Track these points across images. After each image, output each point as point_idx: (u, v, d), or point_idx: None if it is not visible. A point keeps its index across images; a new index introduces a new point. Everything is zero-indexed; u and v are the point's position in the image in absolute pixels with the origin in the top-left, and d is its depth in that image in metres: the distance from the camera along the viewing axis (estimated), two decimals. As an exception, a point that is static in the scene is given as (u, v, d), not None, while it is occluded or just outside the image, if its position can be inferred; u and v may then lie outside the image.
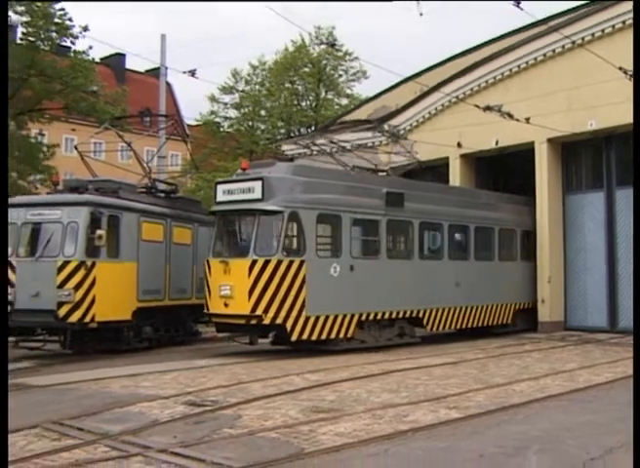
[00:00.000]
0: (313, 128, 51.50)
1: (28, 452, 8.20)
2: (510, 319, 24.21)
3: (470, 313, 22.35)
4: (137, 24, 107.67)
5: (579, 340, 21.98)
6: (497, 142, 26.40)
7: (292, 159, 22.37)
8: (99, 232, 17.42)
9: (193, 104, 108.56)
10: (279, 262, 17.16)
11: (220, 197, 18.40)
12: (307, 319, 17.59)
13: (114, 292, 18.13)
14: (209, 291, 17.97)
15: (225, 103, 55.18)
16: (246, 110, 54.90)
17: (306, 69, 54.84)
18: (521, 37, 26.55)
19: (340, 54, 53.04)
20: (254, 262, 17.10)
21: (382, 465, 7.87)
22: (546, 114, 23.77)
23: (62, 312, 17.21)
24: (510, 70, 26.29)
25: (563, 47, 24.45)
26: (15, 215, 18.08)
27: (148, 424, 9.67)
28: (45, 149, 28.01)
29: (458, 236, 23.02)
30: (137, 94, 34.08)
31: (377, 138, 30.35)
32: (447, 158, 28.03)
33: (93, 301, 17.52)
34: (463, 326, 22.30)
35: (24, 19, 25.42)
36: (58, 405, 11.32)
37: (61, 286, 17.23)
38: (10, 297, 17.59)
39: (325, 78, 55.26)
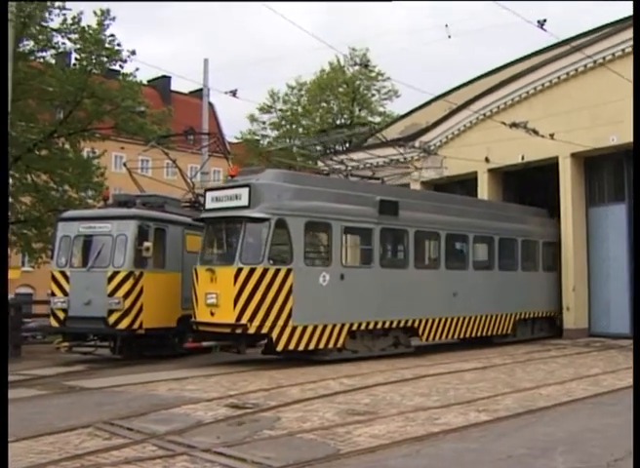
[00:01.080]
0: (347, 145, 51.53)
1: (82, 450, 8.27)
2: (510, 329, 22.91)
3: (468, 323, 21.12)
4: (182, 48, 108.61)
5: (602, 346, 21.76)
6: (522, 157, 26.33)
7: (328, 174, 22.04)
8: (146, 244, 17.56)
9: (234, 122, 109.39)
10: (265, 271, 16.22)
11: (209, 204, 17.53)
12: (294, 329, 16.58)
13: (160, 301, 18.24)
14: (196, 299, 17.05)
15: (264, 122, 55.46)
16: (284, 129, 55.09)
17: (341, 89, 54.96)
18: (545, 57, 26.51)
19: (372, 74, 53.16)
20: (239, 270, 16.18)
21: (415, 465, 7.83)
22: (570, 130, 23.65)
23: (112, 319, 17.36)
24: (535, 88, 26.24)
25: (585, 66, 24.37)
26: (68, 228, 18.33)
27: (193, 425, 9.70)
28: (95, 168, 28.30)
29: (456, 245, 22.12)
30: (181, 114, 34.37)
31: (408, 154, 30.31)
32: (475, 172, 28.02)
33: (140, 309, 17.66)
34: (461, 336, 21.18)
35: (78, 45, 25.75)
36: (109, 406, 11.40)
37: (112, 294, 17.39)
38: (64, 305, 17.82)
39: (359, 97, 55.31)
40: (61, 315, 17.92)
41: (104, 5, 26.36)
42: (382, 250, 19.57)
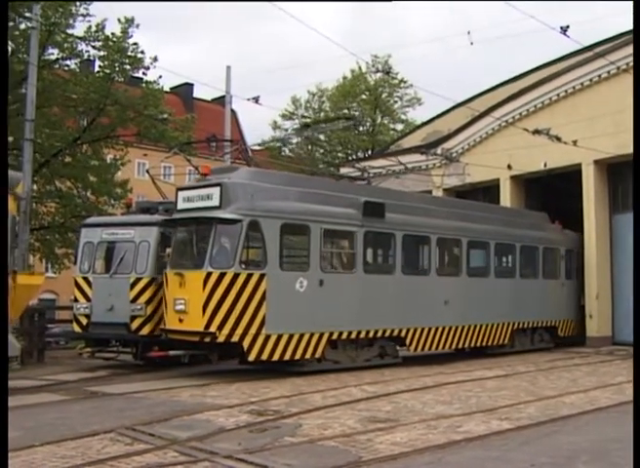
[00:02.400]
0: (370, 152, 51.58)
1: (104, 455, 8.30)
2: (507, 339, 21.58)
3: (460, 333, 19.94)
4: (205, 56, 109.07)
5: (626, 355, 21.55)
6: (545, 164, 26.19)
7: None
8: (168, 250, 17.59)
9: (257, 129, 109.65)
10: (236, 276, 15.11)
11: (180, 205, 16.51)
12: (267, 337, 15.43)
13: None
14: (165, 305, 16.22)
15: (286, 129, 55.58)
16: (306, 135, 55.19)
17: (363, 96, 55.04)
18: (568, 63, 26.42)
19: (395, 81, 53.20)
20: (208, 275, 15.12)
21: (437, 473, 7.81)
22: (593, 137, 23.50)
23: (135, 325, 17.38)
24: (558, 95, 26.14)
25: (608, 72, 24.25)
26: (91, 235, 18.40)
27: (215, 431, 9.70)
28: (111, 176, 28.44)
29: (448, 250, 21.02)
30: (204, 121, 34.43)
31: (430, 161, 30.23)
32: (498, 180, 27.90)
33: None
34: (453, 346, 20.04)
35: (101, 53, 25.96)
36: (131, 411, 11.44)
37: (134, 300, 17.40)
38: (87, 311, 17.89)
39: (381, 104, 55.38)
40: (84, 321, 17.98)
41: (129, 13, 26.61)
42: (367, 254, 18.37)
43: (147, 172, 22.02)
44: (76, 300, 18.26)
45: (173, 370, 16.51)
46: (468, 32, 23.39)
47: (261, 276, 15.46)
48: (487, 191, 29.26)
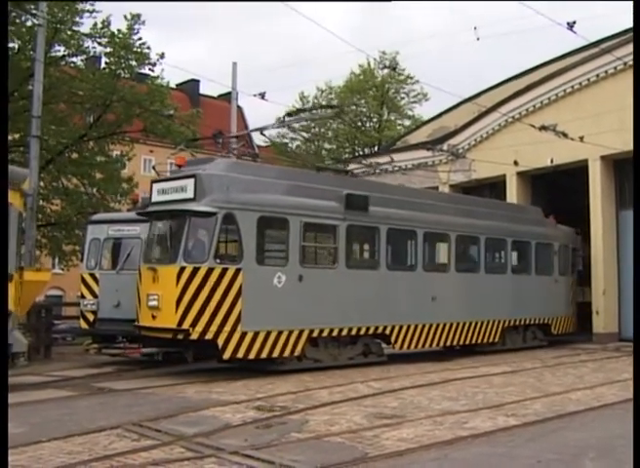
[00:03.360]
0: (377, 148, 51.55)
1: (111, 451, 8.32)
2: (497, 337, 21.00)
3: (448, 330, 19.35)
4: (211, 51, 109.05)
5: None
6: (551, 160, 26.15)
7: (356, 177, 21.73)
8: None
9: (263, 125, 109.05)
10: (210, 270, 14.54)
11: (155, 197, 15.96)
12: (243, 335, 14.83)
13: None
14: (139, 301, 15.65)
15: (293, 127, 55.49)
16: (313, 131, 55.19)
17: (371, 92, 55.01)
18: (574, 59, 26.37)
19: (402, 77, 53.14)
20: (182, 270, 14.55)
21: (443, 469, 7.80)
22: (599, 133, 23.45)
23: (141, 321, 17.36)
24: (564, 91, 26.10)
25: (615, 68, 24.20)
26: (98, 231, 18.43)
27: (221, 427, 9.72)
28: (117, 172, 28.42)
29: (436, 245, 20.32)
30: (210, 117, 34.35)
31: (436, 157, 30.19)
32: (504, 175, 27.88)
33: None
34: (440, 344, 19.45)
35: (107, 50, 25.95)
36: (137, 407, 11.45)
37: (140, 297, 17.39)
38: (94, 307, 17.91)
39: (388, 101, 55.36)
40: (91, 317, 18.01)
41: (135, 10, 26.57)
42: (349, 249, 17.58)
43: (154, 168, 22.00)
44: (83, 297, 18.31)
45: (178, 367, 16.53)
46: (475, 28, 23.45)
47: (237, 271, 14.85)
48: (493, 187, 29.22)
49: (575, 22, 17.34)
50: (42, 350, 19.32)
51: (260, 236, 15.57)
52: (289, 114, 18.47)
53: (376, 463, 7.84)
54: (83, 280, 18.37)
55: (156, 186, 16.05)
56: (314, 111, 18.94)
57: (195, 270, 14.54)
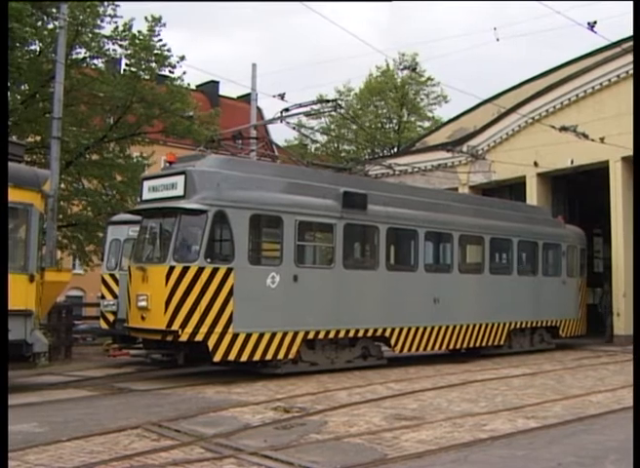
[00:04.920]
0: (396, 149, 51.50)
1: (131, 451, 8.36)
2: (503, 340, 20.55)
3: (451, 333, 18.92)
4: (231, 53, 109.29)
5: (654, 353, 21.40)
6: (572, 161, 26.04)
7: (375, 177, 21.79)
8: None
9: (283, 126, 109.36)
10: (200, 270, 14.10)
11: (145, 195, 15.61)
12: (235, 336, 14.41)
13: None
14: (128, 301, 15.34)
15: (312, 128, 55.50)
16: (332, 133, 55.17)
17: (391, 93, 54.97)
18: (595, 59, 26.24)
19: (422, 79, 53.08)
20: (171, 269, 14.13)
21: (462, 471, 7.78)
22: (620, 134, 23.32)
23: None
24: (585, 91, 25.97)
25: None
26: (118, 232, 18.52)
27: (240, 428, 9.74)
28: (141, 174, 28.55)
29: (438, 245, 19.91)
30: (229, 118, 34.52)
31: (456, 159, 30.13)
32: (524, 177, 27.76)
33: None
34: (443, 347, 18.99)
35: (128, 52, 26.03)
36: (157, 408, 11.50)
37: (161, 297, 17.42)
38: (114, 308, 18.00)
39: (407, 102, 55.29)
40: (111, 317, 18.11)
41: (156, 11, 26.64)
42: (346, 248, 17.04)
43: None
44: (103, 297, 18.41)
45: (198, 367, 16.57)
46: (495, 29, 23.35)
47: (229, 270, 14.43)
48: (513, 189, 29.13)
49: (595, 23, 17.29)
50: (62, 350, 19.42)
51: (252, 235, 15.25)
52: (286, 109, 18.21)
53: (395, 465, 7.83)
54: (103, 280, 18.48)
55: (147, 183, 15.75)
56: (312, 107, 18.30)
57: (185, 270, 14.18)
